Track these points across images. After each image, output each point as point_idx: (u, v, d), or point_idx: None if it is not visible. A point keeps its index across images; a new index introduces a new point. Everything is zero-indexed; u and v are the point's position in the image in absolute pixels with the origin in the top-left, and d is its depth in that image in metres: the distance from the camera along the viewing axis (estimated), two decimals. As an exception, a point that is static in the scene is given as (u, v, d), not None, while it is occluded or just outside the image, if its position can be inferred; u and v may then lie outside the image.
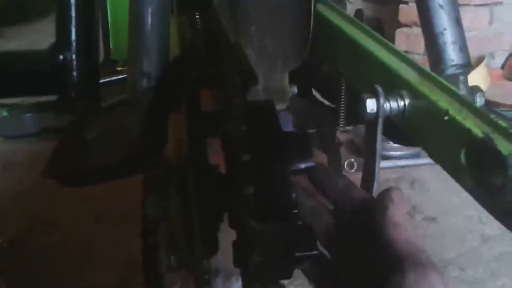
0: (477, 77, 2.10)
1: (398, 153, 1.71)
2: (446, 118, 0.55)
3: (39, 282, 1.25)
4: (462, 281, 1.21)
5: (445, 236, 1.38)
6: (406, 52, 2.35)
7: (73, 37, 0.50)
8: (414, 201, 1.53)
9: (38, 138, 1.97)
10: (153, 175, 0.55)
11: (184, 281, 1.13)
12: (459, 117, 0.54)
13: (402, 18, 2.45)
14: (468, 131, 0.51)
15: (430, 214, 1.47)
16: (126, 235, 1.31)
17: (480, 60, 2.22)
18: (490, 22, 2.36)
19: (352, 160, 1.64)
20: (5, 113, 2.03)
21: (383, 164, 1.70)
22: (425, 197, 1.55)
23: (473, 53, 2.29)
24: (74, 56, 0.50)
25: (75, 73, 0.52)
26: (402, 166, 1.70)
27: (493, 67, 2.36)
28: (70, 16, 0.50)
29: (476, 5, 2.27)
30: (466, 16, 2.18)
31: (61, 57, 0.51)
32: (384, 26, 2.72)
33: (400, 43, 2.43)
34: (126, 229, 1.34)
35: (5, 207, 1.57)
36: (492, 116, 0.52)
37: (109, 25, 1.98)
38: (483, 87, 2.10)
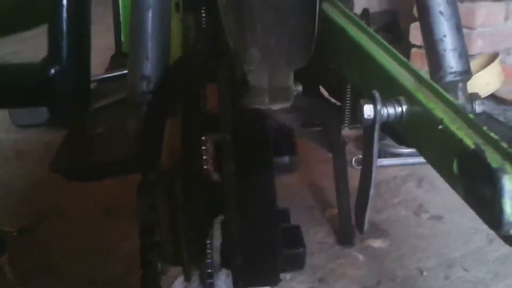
0: (491, 74, 2.07)
1: (407, 150, 1.70)
2: (440, 127, 0.55)
3: (46, 271, 1.28)
4: (465, 282, 1.21)
5: (450, 235, 1.37)
6: (420, 46, 2.34)
7: (65, 51, 0.51)
8: (421, 199, 1.53)
9: (50, 128, 1.99)
10: (145, 180, 0.56)
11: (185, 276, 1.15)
12: (452, 127, 0.54)
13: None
14: (460, 141, 0.52)
15: (436, 212, 1.47)
16: (133, 229, 1.33)
17: (494, 56, 2.19)
18: (506, 18, 2.33)
19: (360, 156, 1.63)
20: (19, 102, 2.05)
21: (392, 161, 1.70)
22: (433, 196, 1.54)
23: (488, 49, 2.26)
24: (65, 70, 0.51)
25: (66, 86, 0.53)
26: (412, 164, 1.69)
27: (508, 64, 2.33)
28: (62, 30, 0.51)
29: (492, 1, 2.24)
30: (481, 11, 2.16)
31: (52, 70, 0.52)
32: (400, 19, 2.68)
33: (415, 38, 2.41)
34: (134, 223, 1.36)
35: (16, 196, 1.60)
36: (485, 127, 0.52)
37: (121, 17, 1.98)
38: (497, 84, 2.08)
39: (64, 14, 0.50)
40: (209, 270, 1.03)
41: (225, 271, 1.19)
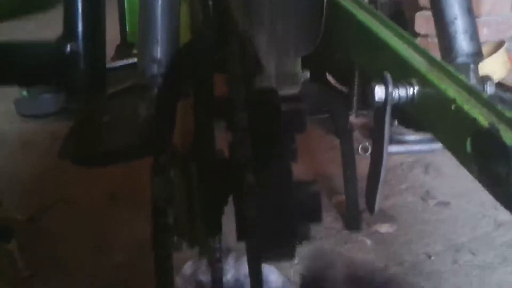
0: (496, 62, 2.06)
1: (413, 137, 1.70)
2: (453, 107, 0.55)
3: (50, 261, 1.28)
4: (474, 266, 1.21)
5: (458, 221, 1.38)
6: (425, 35, 2.33)
7: (80, 29, 0.51)
8: (428, 186, 1.53)
9: (56, 118, 2.00)
10: (160, 159, 0.56)
11: (198, 258, 1.16)
12: (466, 107, 0.54)
13: (421, 0, 2.41)
14: (474, 120, 0.52)
15: (443, 199, 1.47)
16: (140, 215, 1.34)
17: (500, 44, 2.18)
18: (513, 7, 2.32)
19: (367, 143, 1.63)
20: (24, 93, 2.05)
21: (399, 148, 1.70)
22: (439, 182, 1.55)
23: (494, 37, 2.25)
24: (80, 48, 0.52)
25: (81, 64, 0.53)
26: (418, 151, 1.69)
27: (513, 52, 2.32)
28: (77, 9, 0.51)
29: (498, -11, 2.22)
30: (487, 0, 2.14)
31: (68, 48, 0.52)
32: (405, 9, 2.67)
33: (420, 27, 2.39)
34: (141, 209, 1.36)
35: (24, 185, 1.61)
36: (499, 106, 0.52)
37: (126, 7, 1.97)
38: (503, 72, 2.07)
39: (80, -8, 0.51)
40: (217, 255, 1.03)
41: (233, 255, 1.19)
